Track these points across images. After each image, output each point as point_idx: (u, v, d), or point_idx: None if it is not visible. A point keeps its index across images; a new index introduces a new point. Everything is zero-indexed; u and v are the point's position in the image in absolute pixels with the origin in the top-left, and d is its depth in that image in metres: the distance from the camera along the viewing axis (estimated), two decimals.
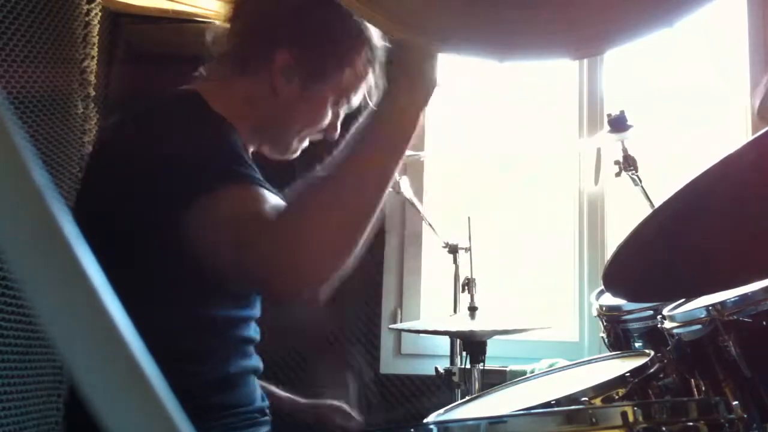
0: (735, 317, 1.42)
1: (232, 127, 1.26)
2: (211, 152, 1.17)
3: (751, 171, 1.19)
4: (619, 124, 2.15)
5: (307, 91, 1.35)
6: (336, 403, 1.61)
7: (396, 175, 1.18)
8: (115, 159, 1.25)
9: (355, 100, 1.40)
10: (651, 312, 1.81)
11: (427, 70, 1.15)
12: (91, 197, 1.28)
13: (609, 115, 2.17)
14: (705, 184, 1.17)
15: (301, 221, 1.07)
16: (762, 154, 1.15)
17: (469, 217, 2.20)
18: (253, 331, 1.36)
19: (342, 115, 1.43)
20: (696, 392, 1.53)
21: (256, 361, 1.37)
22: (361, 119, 1.19)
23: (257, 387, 1.36)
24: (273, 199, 1.13)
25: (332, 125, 1.42)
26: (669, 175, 2.81)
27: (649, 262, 1.35)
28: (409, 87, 1.19)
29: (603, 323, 1.98)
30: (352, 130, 1.18)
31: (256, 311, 1.35)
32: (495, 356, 2.23)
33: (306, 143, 1.44)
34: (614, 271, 1.36)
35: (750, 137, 1.20)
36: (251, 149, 1.42)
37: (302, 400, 1.56)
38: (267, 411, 1.37)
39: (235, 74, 1.35)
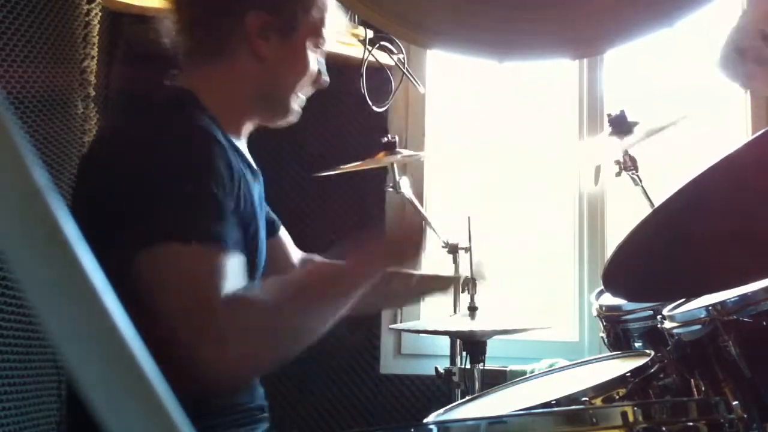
0: (735, 317, 1.42)
1: (216, 140, 1.23)
2: (190, 194, 1.13)
3: (751, 171, 1.19)
4: (619, 124, 2.15)
5: (287, 43, 1.36)
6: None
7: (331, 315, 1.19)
8: (100, 164, 1.25)
9: (326, 35, 1.41)
10: (651, 312, 1.81)
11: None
12: (81, 199, 1.28)
13: (609, 115, 2.17)
14: (705, 184, 1.17)
15: (243, 324, 1.07)
16: (762, 153, 1.15)
17: (469, 217, 2.20)
18: None
19: (322, 58, 1.43)
20: (696, 392, 1.53)
21: None
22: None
23: (257, 385, 1.36)
24: (231, 274, 1.10)
25: (320, 74, 1.43)
26: (669, 175, 2.81)
27: (649, 262, 1.35)
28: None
29: (603, 323, 1.98)
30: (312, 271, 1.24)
31: None
32: (495, 356, 2.23)
33: (303, 101, 1.43)
34: (614, 271, 1.36)
35: (750, 137, 1.20)
36: (246, 133, 1.41)
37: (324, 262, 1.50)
38: (265, 408, 1.37)
39: (215, 60, 1.35)
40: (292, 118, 1.43)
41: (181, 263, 1.08)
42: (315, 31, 1.39)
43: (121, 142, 1.25)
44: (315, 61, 1.41)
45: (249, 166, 1.38)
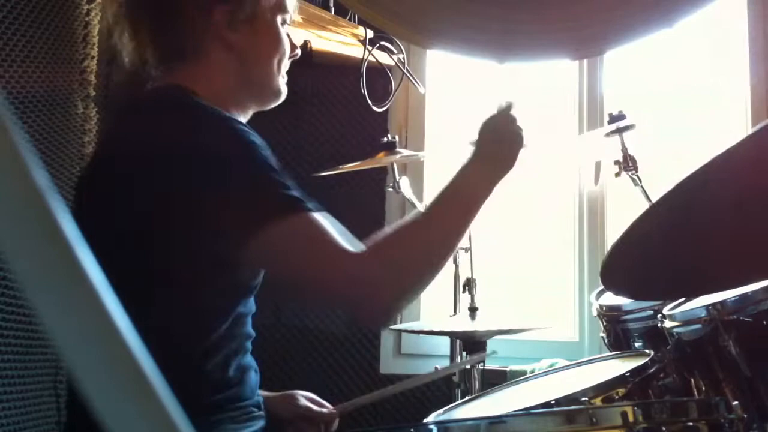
0: (735, 317, 1.42)
1: (239, 122, 1.27)
2: (252, 176, 1.18)
3: (750, 167, 1.19)
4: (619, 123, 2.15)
5: (256, 27, 1.37)
6: (304, 392, 1.61)
7: (467, 229, 1.33)
8: (135, 164, 1.24)
9: (291, 6, 1.43)
10: (651, 312, 1.81)
11: (508, 156, 1.42)
12: (99, 197, 1.28)
13: (611, 115, 2.16)
14: (704, 182, 1.17)
15: (385, 261, 1.18)
16: (761, 150, 1.15)
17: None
18: (251, 328, 1.36)
19: (288, 30, 1.45)
20: (696, 392, 1.53)
21: (252, 357, 1.38)
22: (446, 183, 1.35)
23: (255, 382, 1.36)
24: (332, 226, 1.17)
25: (292, 46, 1.44)
26: (669, 175, 2.81)
27: (649, 262, 1.35)
28: (487, 167, 1.42)
29: (603, 323, 1.98)
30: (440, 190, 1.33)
31: (253, 307, 1.36)
32: (495, 356, 2.23)
33: (285, 79, 1.44)
34: (612, 266, 1.36)
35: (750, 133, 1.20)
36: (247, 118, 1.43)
37: (272, 394, 1.56)
38: (262, 406, 1.37)
39: (192, 61, 1.35)
40: (282, 97, 1.44)
41: (304, 232, 1.15)
42: (279, 7, 1.40)
43: (158, 142, 1.23)
44: (286, 36, 1.42)
45: None
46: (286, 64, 1.44)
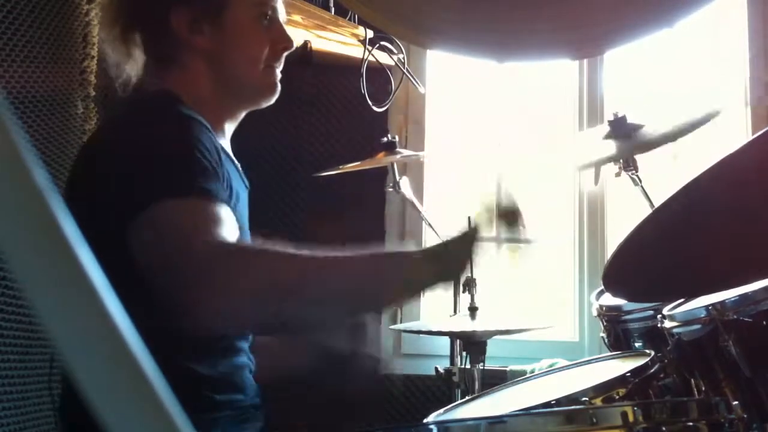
0: (735, 317, 1.42)
1: (202, 125, 1.25)
2: (174, 159, 1.15)
3: (751, 171, 1.19)
4: (619, 127, 2.14)
5: (223, 26, 1.33)
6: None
7: (350, 304, 1.13)
8: (90, 159, 1.27)
9: (271, 2, 1.38)
10: (651, 312, 1.81)
11: (438, 275, 1.15)
12: (76, 195, 1.28)
13: (615, 114, 2.15)
14: (705, 185, 1.17)
15: (242, 267, 1.06)
16: (762, 154, 1.15)
17: (469, 217, 2.19)
18: None
19: (280, 22, 1.40)
20: (696, 392, 1.53)
21: (249, 357, 1.37)
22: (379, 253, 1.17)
23: (252, 382, 1.36)
24: (228, 223, 1.10)
25: (279, 39, 1.39)
26: (669, 175, 2.81)
27: (649, 262, 1.36)
28: (431, 277, 1.15)
29: (603, 323, 1.98)
30: (364, 250, 1.11)
31: None
32: (495, 356, 2.23)
33: (278, 75, 1.40)
34: (614, 271, 1.37)
35: (750, 137, 1.20)
36: (229, 132, 1.41)
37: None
38: (259, 407, 1.37)
39: (167, 69, 1.35)
40: (276, 92, 1.40)
41: (176, 216, 1.08)
42: (251, 2, 1.36)
43: (110, 130, 1.27)
44: (264, 31, 1.37)
45: (236, 168, 1.38)
46: (273, 59, 1.39)
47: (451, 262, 1.17)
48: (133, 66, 1.37)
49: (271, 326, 1.17)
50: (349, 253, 1.08)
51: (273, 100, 1.41)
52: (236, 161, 1.40)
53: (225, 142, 1.38)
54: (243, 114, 1.42)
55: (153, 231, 1.08)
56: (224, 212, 1.11)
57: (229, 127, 1.41)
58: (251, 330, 1.25)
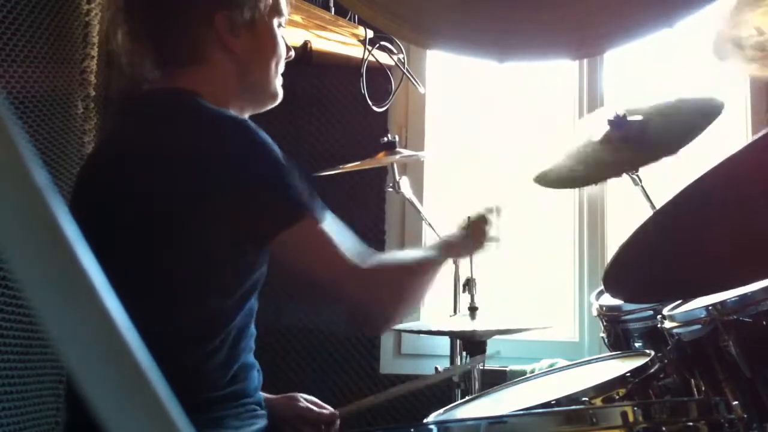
0: (735, 317, 1.42)
1: (251, 125, 1.29)
2: (265, 178, 1.23)
3: (751, 172, 1.19)
4: (618, 127, 2.14)
5: (255, 31, 1.39)
6: (306, 395, 1.62)
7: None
8: (148, 166, 1.25)
9: (285, 9, 1.45)
10: (651, 312, 1.81)
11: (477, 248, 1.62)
12: (102, 197, 1.28)
13: (616, 115, 2.15)
14: (705, 186, 1.17)
15: (385, 278, 1.34)
16: (762, 155, 1.15)
17: (469, 217, 2.20)
18: (253, 327, 1.36)
19: (283, 32, 1.48)
20: (696, 392, 1.53)
21: (254, 355, 1.38)
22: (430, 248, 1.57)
23: (257, 381, 1.37)
24: (338, 237, 1.27)
25: (287, 48, 1.47)
26: (669, 175, 2.81)
27: (649, 263, 1.35)
28: (454, 252, 1.59)
29: (603, 323, 1.98)
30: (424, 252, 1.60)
31: (255, 304, 1.36)
32: (495, 356, 2.23)
33: (281, 81, 1.48)
34: (614, 272, 1.36)
35: (750, 138, 1.20)
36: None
37: (273, 396, 1.57)
38: (263, 405, 1.38)
39: (193, 66, 1.36)
40: (279, 98, 1.48)
41: (314, 238, 1.25)
42: (275, 11, 1.43)
43: (174, 145, 1.25)
44: (282, 39, 1.45)
45: None
46: (282, 67, 1.46)
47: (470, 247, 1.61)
48: (148, 64, 1.38)
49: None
50: (418, 257, 1.48)
51: (274, 105, 1.49)
52: None
53: None
54: (247, 116, 1.45)
55: (310, 247, 1.26)
56: (330, 228, 1.26)
57: None
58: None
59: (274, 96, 1.47)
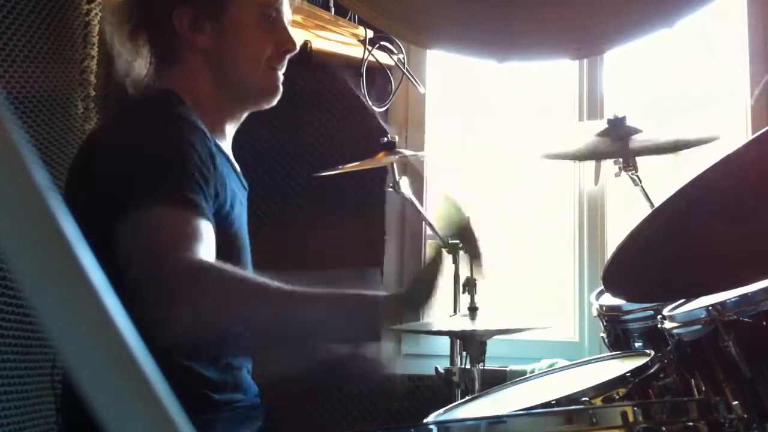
0: (735, 317, 1.42)
1: (198, 128, 1.25)
2: (167, 165, 1.16)
3: (751, 171, 1.19)
4: (618, 128, 2.14)
5: (224, 25, 1.34)
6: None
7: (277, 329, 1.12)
8: (87, 157, 1.28)
9: (280, 1, 1.38)
10: (651, 312, 1.81)
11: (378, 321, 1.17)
12: (75, 192, 1.28)
13: (615, 116, 2.15)
14: (705, 184, 1.17)
15: (213, 285, 1.06)
16: (762, 154, 1.15)
17: (469, 217, 2.19)
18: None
19: (284, 23, 1.39)
20: (696, 392, 1.53)
21: (245, 358, 1.37)
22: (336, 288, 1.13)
23: (251, 382, 1.36)
24: (206, 240, 1.10)
25: (282, 41, 1.39)
26: (669, 175, 2.81)
27: (649, 263, 1.35)
28: (391, 321, 1.21)
29: (603, 323, 1.98)
30: (328, 288, 1.11)
31: None
32: (495, 356, 2.23)
33: (280, 77, 1.40)
34: (614, 272, 1.36)
35: (750, 137, 1.20)
36: (230, 133, 1.41)
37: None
38: (259, 407, 1.37)
39: (168, 67, 1.35)
40: (275, 94, 1.40)
41: (162, 223, 1.09)
42: (254, 2, 1.36)
43: (109, 128, 1.27)
44: (266, 32, 1.37)
45: (234, 170, 1.38)
46: (275, 60, 1.39)
47: (412, 306, 1.21)
48: (142, 64, 1.38)
49: (226, 345, 1.17)
50: (318, 291, 1.09)
51: (274, 102, 1.41)
52: (235, 163, 1.40)
53: (225, 143, 1.38)
54: (244, 115, 1.42)
55: (139, 232, 1.09)
56: (205, 228, 1.11)
57: (230, 128, 1.41)
58: (206, 346, 1.21)
59: (265, 91, 1.39)
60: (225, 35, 1.35)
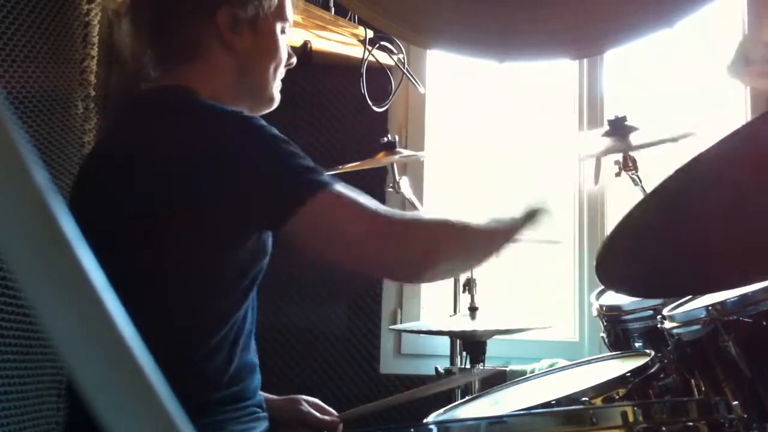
0: (735, 317, 1.42)
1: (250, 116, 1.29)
2: (279, 161, 1.22)
3: (751, 171, 1.18)
4: (618, 127, 2.15)
5: (257, 31, 1.39)
6: (309, 398, 1.61)
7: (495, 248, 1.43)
8: (148, 163, 1.24)
9: (290, 15, 1.45)
10: (651, 312, 1.82)
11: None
12: (100, 194, 1.28)
13: (616, 116, 2.15)
14: (701, 174, 1.17)
15: (420, 229, 1.27)
16: (759, 146, 1.15)
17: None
18: (252, 326, 1.36)
19: (287, 37, 1.46)
20: (696, 392, 1.53)
21: (255, 356, 1.38)
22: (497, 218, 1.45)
23: (256, 381, 1.36)
24: (361, 195, 1.22)
25: (289, 54, 1.46)
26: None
27: (649, 263, 1.35)
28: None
29: (603, 323, 1.98)
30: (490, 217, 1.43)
31: (255, 301, 1.36)
32: (495, 356, 2.23)
33: (280, 85, 1.46)
34: (607, 260, 1.36)
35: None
36: None
37: (276, 397, 1.56)
38: (264, 407, 1.37)
39: (192, 61, 1.36)
40: (274, 104, 1.46)
41: (341, 204, 1.20)
42: (280, 14, 1.42)
43: (175, 141, 1.24)
44: (285, 44, 1.44)
45: None
46: (281, 72, 1.45)
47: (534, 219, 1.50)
48: (146, 60, 1.38)
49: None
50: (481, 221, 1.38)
51: (270, 110, 1.47)
52: None
53: None
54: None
55: (329, 219, 1.20)
56: (350, 190, 1.22)
57: None
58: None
59: (271, 100, 1.45)
60: (258, 41, 1.39)
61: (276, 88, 1.45)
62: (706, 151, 1.12)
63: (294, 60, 1.48)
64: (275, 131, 1.25)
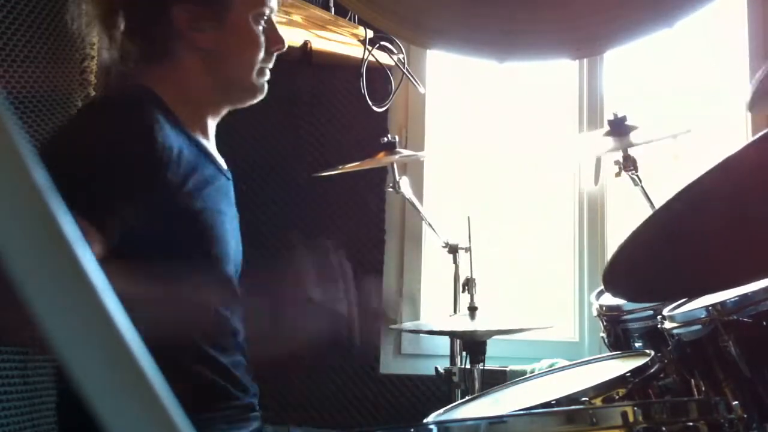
0: (735, 317, 1.42)
1: (161, 125, 1.25)
2: (88, 174, 1.17)
3: (751, 172, 1.19)
4: (618, 127, 2.15)
5: (224, 26, 1.36)
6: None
7: None
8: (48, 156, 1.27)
9: (271, 2, 1.40)
10: (651, 312, 1.81)
11: None
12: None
13: (615, 115, 2.15)
14: (705, 185, 1.17)
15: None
16: (762, 155, 1.15)
17: (469, 217, 2.20)
18: (237, 325, 1.36)
19: (274, 23, 1.43)
20: (696, 392, 1.53)
21: (245, 355, 1.37)
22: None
23: (249, 380, 1.36)
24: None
25: (273, 40, 1.41)
26: (669, 175, 2.81)
27: (650, 263, 1.35)
28: None
29: (603, 323, 1.98)
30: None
31: (238, 305, 1.36)
32: (495, 356, 2.23)
33: (267, 75, 1.42)
34: (614, 272, 1.36)
35: (750, 137, 1.20)
36: (211, 129, 1.42)
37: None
38: (257, 407, 1.37)
39: (161, 62, 1.35)
40: (261, 95, 1.42)
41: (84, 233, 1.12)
42: (253, 3, 1.38)
43: (64, 135, 1.27)
44: (261, 33, 1.39)
45: (214, 163, 1.39)
46: (266, 60, 1.41)
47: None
48: (127, 60, 1.38)
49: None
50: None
51: (258, 99, 1.43)
52: (214, 154, 1.41)
53: (204, 137, 1.40)
54: (226, 110, 1.43)
55: None
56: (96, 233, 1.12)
57: (212, 123, 1.43)
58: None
59: (252, 91, 1.41)
60: (225, 37, 1.36)
61: (258, 77, 1.40)
62: (709, 171, 1.13)
63: (283, 45, 1.43)
64: (130, 148, 1.20)
